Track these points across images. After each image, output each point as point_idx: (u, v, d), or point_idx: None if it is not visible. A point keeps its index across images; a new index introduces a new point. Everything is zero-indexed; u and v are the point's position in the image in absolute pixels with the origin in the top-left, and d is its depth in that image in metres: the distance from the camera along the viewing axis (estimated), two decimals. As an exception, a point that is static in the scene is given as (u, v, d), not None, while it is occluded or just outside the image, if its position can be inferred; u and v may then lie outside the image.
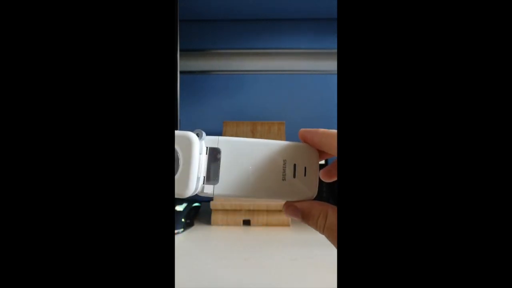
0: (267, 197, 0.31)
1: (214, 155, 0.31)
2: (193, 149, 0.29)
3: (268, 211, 0.75)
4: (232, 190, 0.30)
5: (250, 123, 0.96)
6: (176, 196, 0.28)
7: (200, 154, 0.30)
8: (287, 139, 0.92)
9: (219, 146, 0.31)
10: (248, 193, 0.30)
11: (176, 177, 0.29)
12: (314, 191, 0.31)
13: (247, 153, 0.31)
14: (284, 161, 0.31)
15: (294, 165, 0.31)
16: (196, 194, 0.30)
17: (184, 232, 0.69)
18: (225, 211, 0.75)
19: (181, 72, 0.81)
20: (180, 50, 0.78)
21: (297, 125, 1.05)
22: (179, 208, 0.73)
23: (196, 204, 0.82)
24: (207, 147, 0.30)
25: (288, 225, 0.74)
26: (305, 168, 0.31)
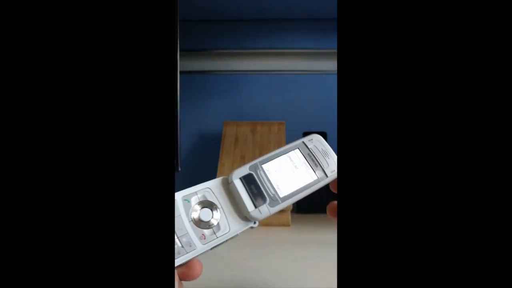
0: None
1: (251, 179, 0.32)
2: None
3: (268, 211, 0.75)
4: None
5: (250, 123, 0.96)
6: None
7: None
8: (287, 139, 0.92)
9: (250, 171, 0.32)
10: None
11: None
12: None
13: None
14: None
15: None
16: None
17: (184, 232, 0.69)
18: (225, 211, 0.74)
19: (181, 72, 0.81)
20: (180, 50, 0.78)
21: (297, 125, 1.05)
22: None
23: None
24: (240, 178, 0.31)
25: (288, 225, 0.74)
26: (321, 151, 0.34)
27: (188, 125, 1.06)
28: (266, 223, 0.75)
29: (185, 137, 1.07)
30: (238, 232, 0.30)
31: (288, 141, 0.94)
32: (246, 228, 0.31)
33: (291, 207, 0.76)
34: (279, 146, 1.00)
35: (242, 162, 0.87)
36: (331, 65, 1.05)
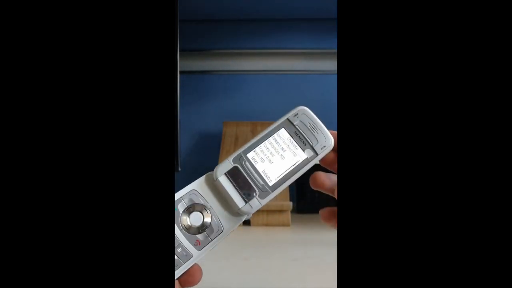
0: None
1: (236, 173, 0.30)
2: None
3: (268, 211, 0.75)
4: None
5: (250, 123, 0.97)
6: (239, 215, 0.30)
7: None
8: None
9: (235, 164, 0.30)
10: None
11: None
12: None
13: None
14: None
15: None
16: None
17: (184, 232, 0.69)
18: (225, 211, 0.75)
19: (181, 72, 0.81)
20: (180, 50, 0.78)
21: (297, 125, 1.05)
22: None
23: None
24: (225, 173, 0.30)
25: (288, 225, 0.74)
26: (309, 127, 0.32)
27: (188, 125, 1.06)
28: (266, 223, 0.75)
29: (185, 137, 1.07)
30: (233, 229, 0.30)
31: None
32: (239, 223, 0.30)
33: (291, 207, 0.76)
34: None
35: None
36: (331, 65, 1.05)
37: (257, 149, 0.31)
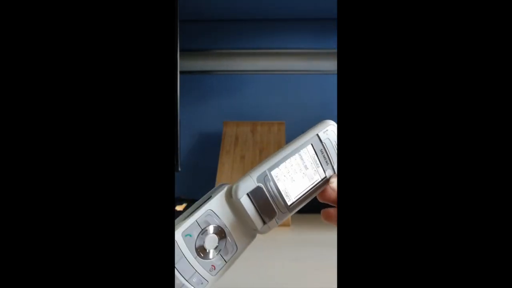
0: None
1: (259, 194, 0.28)
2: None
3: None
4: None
5: (250, 123, 0.96)
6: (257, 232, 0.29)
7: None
8: (287, 139, 0.92)
9: (258, 183, 0.28)
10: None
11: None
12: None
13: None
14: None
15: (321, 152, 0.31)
16: None
17: (184, 232, 0.69)
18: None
19: (181, 72, 0.81)
20: (180, 50, 0.78)
21: (297, 125, 1.06)
22: (179, 208, 0.73)
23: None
24: (247, 194, 0.28)
25: (288, 225, 0.74)
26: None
27: (188, 125, 1.06)
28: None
29: (185, 137, 1.07)
30: (246, 247, 0.29)
31: (288, 141, 0.94)
32: (253, 240, 0.29)
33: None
34: (279, 146, 1.00)
35: (242, 162, 0.87)
36: (331, 65, 1.05)
37: (281, 166, 0.29)
